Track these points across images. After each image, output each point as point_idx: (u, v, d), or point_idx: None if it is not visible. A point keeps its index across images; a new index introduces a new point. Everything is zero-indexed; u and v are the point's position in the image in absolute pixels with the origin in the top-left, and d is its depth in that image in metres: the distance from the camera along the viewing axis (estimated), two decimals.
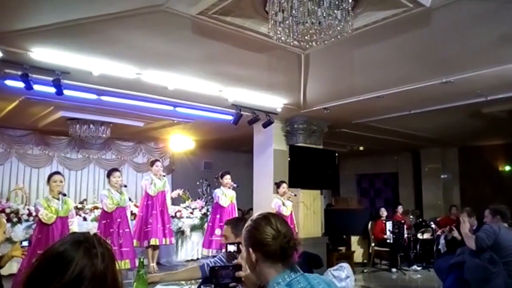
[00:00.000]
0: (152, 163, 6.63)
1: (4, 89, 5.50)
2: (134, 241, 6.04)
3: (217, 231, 6.56)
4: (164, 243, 6.38)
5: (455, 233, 5.54)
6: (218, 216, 6.65)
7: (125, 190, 5.94)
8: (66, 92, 5.25)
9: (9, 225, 6.22)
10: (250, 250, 1.55)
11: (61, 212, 4.93)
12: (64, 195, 5.04)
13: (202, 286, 2.44)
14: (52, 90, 5.06)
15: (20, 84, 4.88)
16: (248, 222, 1.62)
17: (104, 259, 1.09)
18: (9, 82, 5.15)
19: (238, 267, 1.73)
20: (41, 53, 4.55)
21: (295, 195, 7.09)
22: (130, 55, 4.88)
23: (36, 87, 5.02)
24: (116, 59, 4.91)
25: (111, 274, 1.10)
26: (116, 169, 5.99)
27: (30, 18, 3.95)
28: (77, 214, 7.01)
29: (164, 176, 6.63)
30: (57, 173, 5.32)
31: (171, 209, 7.34)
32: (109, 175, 5.81)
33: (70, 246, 1.07)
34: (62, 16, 3.92)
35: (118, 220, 5.58)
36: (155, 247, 6.39)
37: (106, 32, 4.28)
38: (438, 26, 4.23)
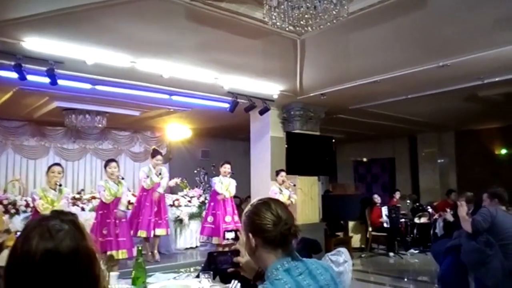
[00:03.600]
0: (153, 155, 6.54)
1: None
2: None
3: (210, 219, 6.59)
4: (155, 234, 6.33)
5: (448, 216, 5.61)
6: (212, 204, 6.69)
7: (124, 181, 5.88)
8: (60, 82, 5.20)
9: (7, 216, 6.22)
10: (250, 235, 1.54)
11: (56, 203, 4.92)
12: (60, 185, 5.01)
13: (201, 273, 2.45)
14: (46, 80, 5.02)
15: (14, 75, 4.83)
16: (248, 207, 1.60)
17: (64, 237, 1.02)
18: (2, 73, 5.09)
19: (237, 252, 1.73)
20: (33, 43, 4.49)
21: (294, 185, 7.09)
22: (124, 44, 4.83)
23: (30, 77, 4.97)
24: (110, 47, 4.86)
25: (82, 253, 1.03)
26: (112, 160, 5.92)
27: (22, 7, 3.89)
28: (75, 204, 7.02)
29: (160, 174, 6.48)
30: (57, 164, 5.30)
31: (169, 198, 7.38)
32: (106, 166, 5.77)
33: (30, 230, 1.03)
34: (54, 4, 3.87)
35: (115, 210, 5.58)
36: (154, 237, 6.39)
37: (99, 20, 4.23)
38: (434, 9, 4.20)
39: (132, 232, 6.12)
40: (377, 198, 9.17)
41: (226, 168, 6.68)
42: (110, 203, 5.54)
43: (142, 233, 6.21)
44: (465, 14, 4.30)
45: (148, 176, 6.34)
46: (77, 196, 7.53)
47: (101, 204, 5.62)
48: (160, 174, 6.49)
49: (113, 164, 5.69)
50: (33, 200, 4.94)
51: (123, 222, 5.65)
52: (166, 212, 6.65)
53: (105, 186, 5.53)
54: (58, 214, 1.09)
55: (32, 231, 1.02)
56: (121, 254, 5.47)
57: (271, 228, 1.50)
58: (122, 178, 5.79)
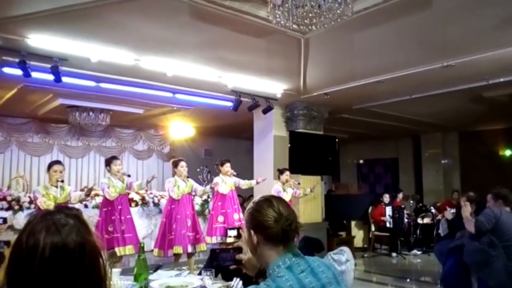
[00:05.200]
0: (176, 164, 6.00)
1: (2, 77, 5.47)
2: (156, 250, 5.69)
3: (220, 218, 6.54)
4: (193, 250, 5.79)
5: (447, 213, 5.61)
6: (219, 203, 6.61)
7: (128, 178, 5.83)
8: (65, 79, 5.22)
9: (10, 212, 6.27)
10: (252, 232, 1.54)
11: (59, 199, 4.92)
12: (62, 181, 5.01)
13: (203, 271, 2.45)
14: (51, 77, 5.03)
15: (18, 72, 4.85)
16: (250, 204, 1.61)
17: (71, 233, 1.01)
18: (7, 70, 5.11)
19: (239, 250, 1.73)
20: (38, 40, 4.51)
21: (299, 183, 7.08)
22: (128, 41, 4.84)
23: (34, 74, 4.98)
24: (114, 45, 4.87)
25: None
26: (116, 157, 5.91)
27: (26, 4, 3.91)
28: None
29: (188, 177, 6.00)
30: (58, 162, 5.27)
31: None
32: (109, 163, 5.68)
33: (35, 225, 1.01)
34: (58, 1, 3.88)
35: (120, 207, 5.56)
36: (189, 255, 5.76)
37: (103, 17, 4.24)
38: (439, 9, 4.18)
39: (161, 251, 5.69)
40: (386, 198, 9.08)
41: (227, 167, 6.52)
42: (115, 200, 5.54)
43: (178, 249, 5.61)
44: (469, 14, 4.28)
45: (175, 185, 5.81)
46: None
47: (106, 201, 5.61)
48: (188, 177, 6.04)
49: (118, 161, 5.70)
50: (35, 198, 4.90)
51: (128, 218, 5.65)
52: (200, 226, 6.17)
53: (109, 184, 5.53)
54: (62, 209, 1.08)
55: (37, 226, 1.00)
56: (128, 250, 5.47)
57: (272, 225, 1.50)
58: (129, 176, 5.78)
